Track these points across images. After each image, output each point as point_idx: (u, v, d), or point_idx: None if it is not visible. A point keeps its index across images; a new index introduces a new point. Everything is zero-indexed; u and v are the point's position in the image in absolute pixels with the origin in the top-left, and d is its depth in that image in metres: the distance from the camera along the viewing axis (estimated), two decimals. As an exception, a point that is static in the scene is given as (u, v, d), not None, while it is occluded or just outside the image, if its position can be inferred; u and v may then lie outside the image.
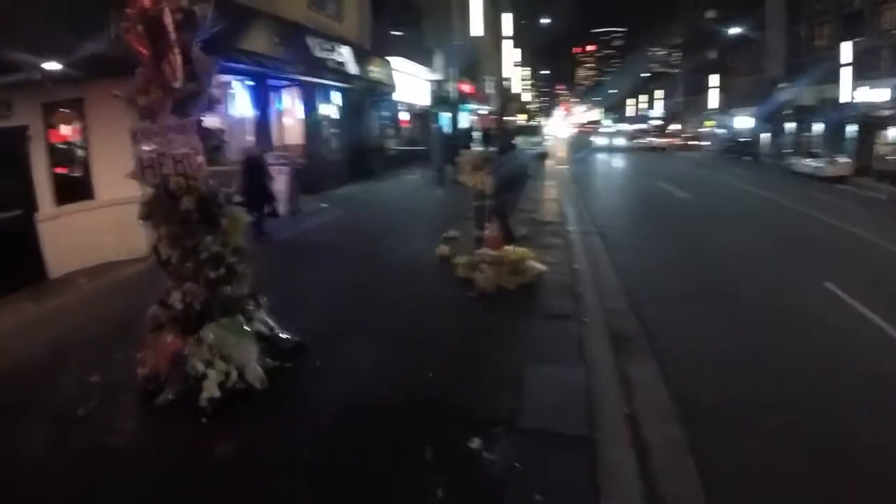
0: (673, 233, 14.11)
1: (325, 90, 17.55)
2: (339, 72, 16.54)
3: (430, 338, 5.97)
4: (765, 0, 49.50)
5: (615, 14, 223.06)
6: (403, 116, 28.43)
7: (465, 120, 39.21)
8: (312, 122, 16.73)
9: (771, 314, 7.84)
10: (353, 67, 17.38)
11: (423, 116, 31.78)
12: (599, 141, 56.33)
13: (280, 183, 13.13)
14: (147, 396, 4.79)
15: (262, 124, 14.09)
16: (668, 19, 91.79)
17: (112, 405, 4.79)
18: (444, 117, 35.29)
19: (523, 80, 78.24)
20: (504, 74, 40.31)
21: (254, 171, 10.45)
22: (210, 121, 5.43)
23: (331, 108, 18.29)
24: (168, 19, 4.81)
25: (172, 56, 4.87)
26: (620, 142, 56.20)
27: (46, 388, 5.16)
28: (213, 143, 5.26)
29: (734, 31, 49.56)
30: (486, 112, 45.57)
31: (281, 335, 5.67)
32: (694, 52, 69.53)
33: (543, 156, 30.71)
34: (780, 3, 48.11)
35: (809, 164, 33.23)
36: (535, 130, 37.77)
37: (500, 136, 13.97)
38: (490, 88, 43.49)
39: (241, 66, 11.85)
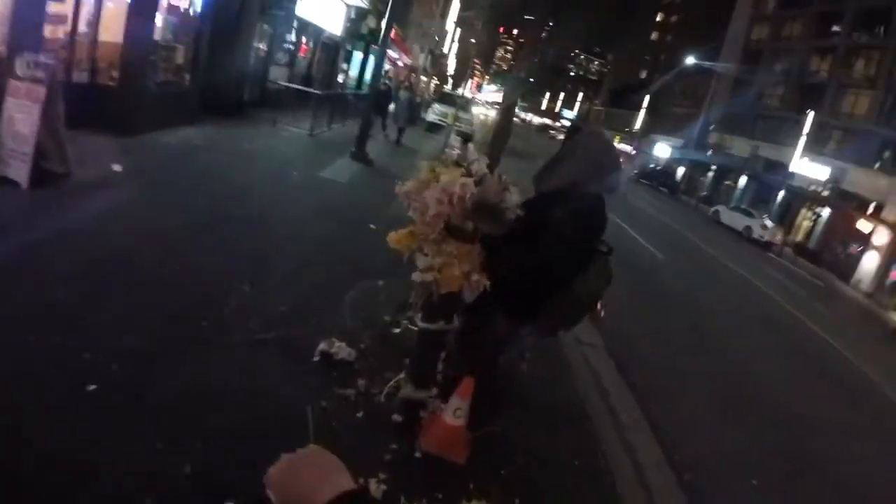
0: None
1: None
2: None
3: None
4: (725, 35, 47.01)
5: (549, 6, 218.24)
6: (305, 42, 21.51)
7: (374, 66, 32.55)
8: (142, 18, 9.74)
9: None
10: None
11: (330, 50, 24.89)
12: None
13: (22, 119, 6.47)
14: None
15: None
16: (604, 23, 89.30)
17: None
18: (357, 57, 28.65)
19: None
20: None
21: None
22: None
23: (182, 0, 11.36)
24: None
25: None
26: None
27: None
28: None
29: (687, 60, 46.52)
30: (405, 65, 39.20)
31: None
32: (628, 65, 67.30)
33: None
34: (737, 44, 45.72)
35: (740, 220, 31.85)
36: (464, 103, 29.68)
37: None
38: (418, 39, 37.11)
39: None
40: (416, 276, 3.37)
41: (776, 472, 5.87)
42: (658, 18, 68.92)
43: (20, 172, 6.31)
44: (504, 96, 19.34)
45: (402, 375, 3.99)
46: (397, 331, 4.27)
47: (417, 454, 3.49)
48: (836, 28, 37.02)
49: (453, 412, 3.56)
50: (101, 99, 9.15)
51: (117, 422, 2.99)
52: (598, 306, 3.84)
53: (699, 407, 6.81)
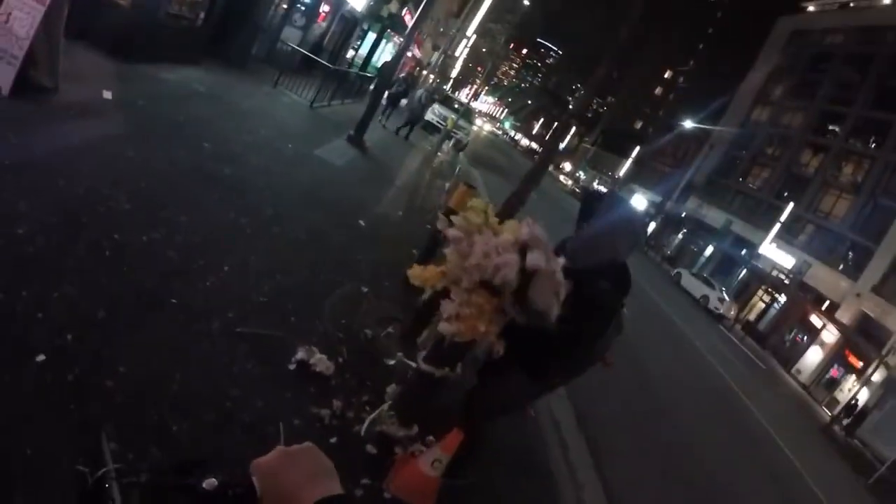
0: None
1: None
2: None
3: None
4: (726, 109, 47.77)
5: (563, 34, 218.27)
6: (325, 10, 20.86)
7: (387, 53, 31.97)
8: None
9: None
10: None
11: (347, 24, 24.26)
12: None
13: (21, 19, 5.83)
14: None
15: None
16: (613, 65, 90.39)
17: None
18: (370, 38, 27.96)
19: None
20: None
21: None
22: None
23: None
24: None
25: None
26: None
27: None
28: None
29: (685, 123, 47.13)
30: (413, 56, 38.59)
31: None
32: (625, 111, 68.12)
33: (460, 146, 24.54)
34: (736, 121, 46.56)
35: (699, 288, 32.23)
36: (465, 111, 28.00)
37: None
38: (434, 37, 36.65)
39: None
40: (442, 327, 2.97)
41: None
42: (666, 75, 69.99)
43: (5, 76, 5.72)
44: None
45: (384, 407, 3.61)
46: (391, 363, 3.88)
47: (387, 494, 3.24)
48: (834, 128, 37.97)
49: (431, 463, 3.27)
50: (108, 16, 8.54)
51: (69, 409, 2.53)
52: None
53: (646, 471, 6.78)
